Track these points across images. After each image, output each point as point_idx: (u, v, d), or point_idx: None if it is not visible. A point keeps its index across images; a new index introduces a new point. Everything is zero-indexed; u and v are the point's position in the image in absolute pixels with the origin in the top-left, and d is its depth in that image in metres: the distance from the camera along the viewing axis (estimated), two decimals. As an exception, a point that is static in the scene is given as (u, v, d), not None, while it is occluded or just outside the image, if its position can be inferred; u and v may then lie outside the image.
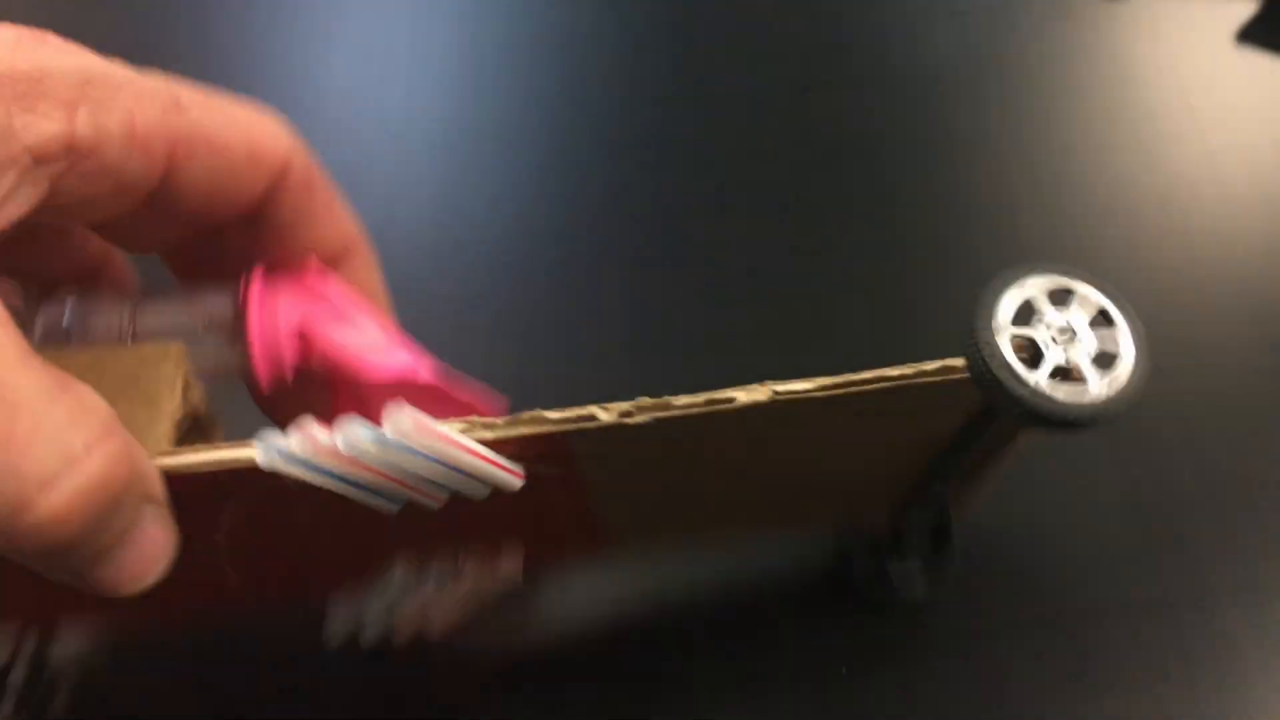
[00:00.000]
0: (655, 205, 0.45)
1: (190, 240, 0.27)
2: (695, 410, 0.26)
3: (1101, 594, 0.36)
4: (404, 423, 0.24)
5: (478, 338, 0.41)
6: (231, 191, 0.25)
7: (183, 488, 0.24)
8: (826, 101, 0.48)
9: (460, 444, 0.25)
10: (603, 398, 0.26)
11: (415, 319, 0.40)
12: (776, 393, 0.26)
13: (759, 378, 0.26)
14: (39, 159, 0.21)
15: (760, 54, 0.50)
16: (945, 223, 0.45)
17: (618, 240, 0.44)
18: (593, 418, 0.26)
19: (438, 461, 0.25)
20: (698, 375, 0.28)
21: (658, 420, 0.26)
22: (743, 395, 0.26)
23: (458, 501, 0.27)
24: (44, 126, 0.21)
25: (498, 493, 0.27)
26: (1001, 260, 0.42)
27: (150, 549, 0.23)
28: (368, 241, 0.29)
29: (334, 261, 0.29)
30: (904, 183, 0.46)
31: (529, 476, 0.27)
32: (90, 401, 0.21)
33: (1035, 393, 0.24)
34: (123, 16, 0.52)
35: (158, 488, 0.23)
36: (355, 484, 0.25)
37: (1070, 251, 0.44)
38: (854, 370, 0.26)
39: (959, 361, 0.25)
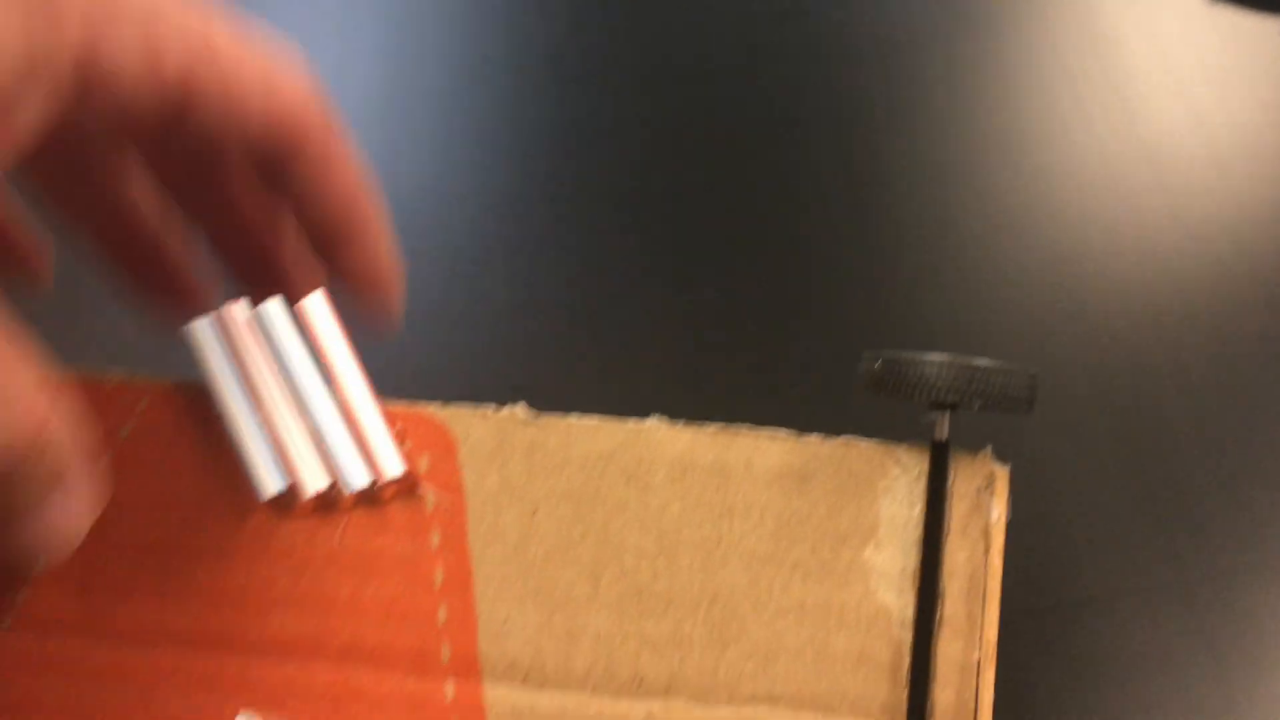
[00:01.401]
0: (606, 184, 0.43)
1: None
2: (580, 423, 0.27)
3: (1116, 580, 0.35)
4: (318, 305, 0.27)
5: (426, 335, 0.39)
6: (235, 137, 0.24)
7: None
8: (780, 72, 0.46)
9: (357, 360, 0.27)
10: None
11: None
12: (668, 421, 0.27)
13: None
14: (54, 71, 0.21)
15: (710, 25, 0.47)
16: (925, 196, 0.43)
17: (564, 229, 0.42)
18: (480, 410, 0.28)
19: (329, 390, 0.27)
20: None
21: (541, 422, 0.28)
22: (634, 422, 0.28)
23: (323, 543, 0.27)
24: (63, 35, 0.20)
25: (373, 502, 0.27)
26: (987, 242, 0.41)
27: (76, 504, 0.22)
28: (379, 219, 0.28)
29: (338, 234, 0.27)
30: (878, 155, 0.44)
31: (410, 475, 0.27)
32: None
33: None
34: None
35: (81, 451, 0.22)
36: (240, 390, 0.27)
37: (1056, 226, 0.42)
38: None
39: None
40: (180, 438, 0.27)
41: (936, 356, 0.24)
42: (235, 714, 0.26)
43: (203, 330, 0.26)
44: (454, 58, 0.46)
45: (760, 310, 0.39)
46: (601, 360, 0.38)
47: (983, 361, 0.24)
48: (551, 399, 0.27)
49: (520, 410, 0.26)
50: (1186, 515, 0.35)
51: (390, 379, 0.27)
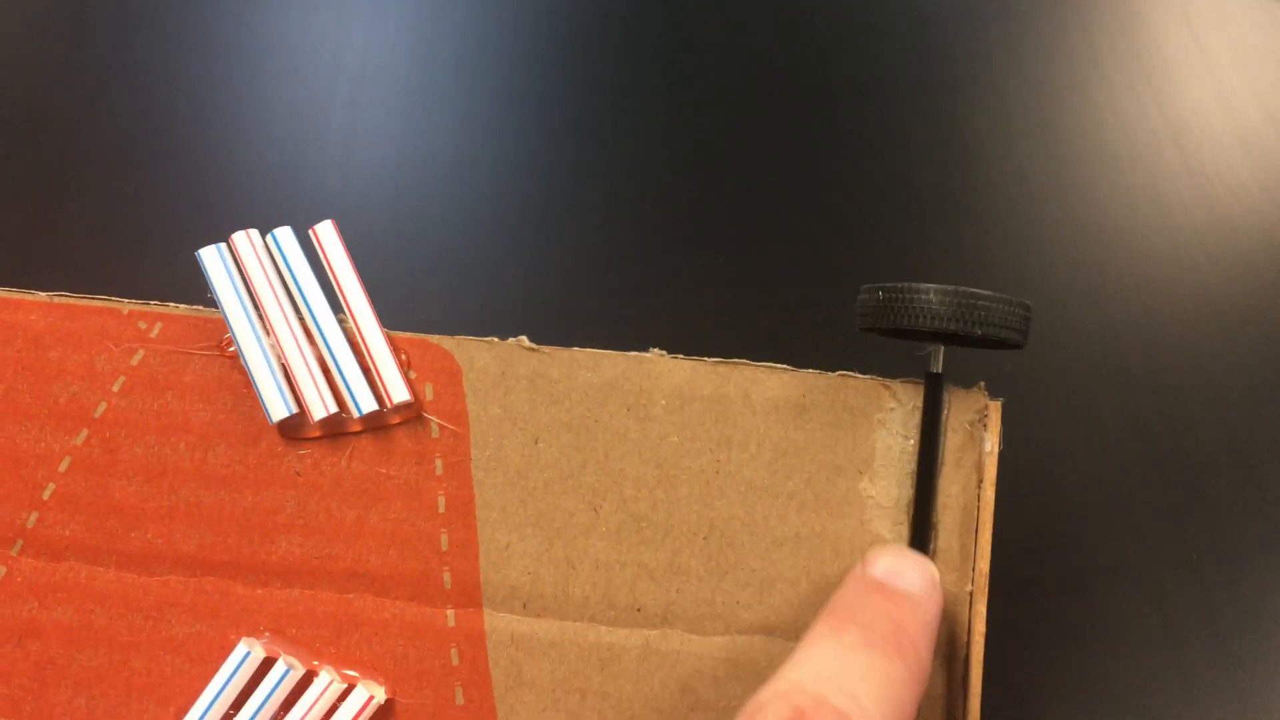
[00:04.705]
0: (626, 152, 0.43)
1: None
2: (581, 353, 0.28)
3: (1121, 553, 0.35)
4: (329, 234, 0.28)
5: (436, 283, 0.40)
6: None
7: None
8: (809, 44, 0.46)
9: (364, 289, 0.28)
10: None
11: (372, 263, 0.38)
12: (668, 354, 0.28)
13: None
14: None
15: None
16: (951, 167, 0.43)
17: (583, 194, 0.42)
18: (484, 340, 0.28)
19: (337, 317, 0.27)
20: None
21: (543, 352, 0.28)
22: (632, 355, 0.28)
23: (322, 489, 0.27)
24: None
25: (380, 427, 0.27)
26: (1008, 208, 0.42)
27: None
28: None
29: None
30: (901, 127, 0.44)
31: (415, 402, 0.28)
32: None
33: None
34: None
35: None
36: (249, 316, 0.27)
37: (1078, 198, 0.42)
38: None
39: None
40: (191, 363, 0.27)
41: (932, 285, 0.25)
42: (238, 640, 0.27)
43: (213, 256, 0.27)
44: (480, 27, 0.46)
45: (766, 276, 0.40)
46: (608, 316, 0.38)
47: (978, 291, 0.25)
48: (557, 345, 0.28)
49: (523, 341, 0.27)
50: (1196, 492, 0.35)
51: (402, 320, 0.28)
